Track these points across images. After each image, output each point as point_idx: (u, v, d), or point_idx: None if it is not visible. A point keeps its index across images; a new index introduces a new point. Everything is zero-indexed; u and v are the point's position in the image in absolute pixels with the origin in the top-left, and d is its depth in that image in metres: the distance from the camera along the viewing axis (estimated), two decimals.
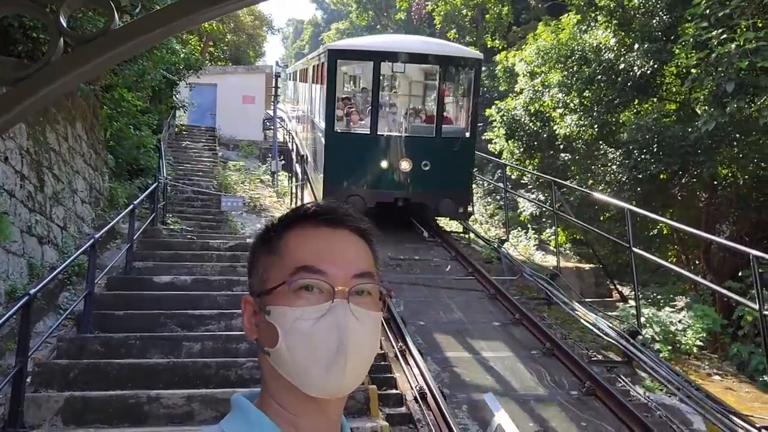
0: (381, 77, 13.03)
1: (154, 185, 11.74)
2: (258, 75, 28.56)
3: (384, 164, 12.15)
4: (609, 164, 14.92)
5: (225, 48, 36.44)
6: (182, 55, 18.86)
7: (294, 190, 16.48)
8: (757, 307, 6.12)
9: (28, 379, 5.36)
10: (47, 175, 9.25)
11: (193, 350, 6.42)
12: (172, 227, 12.58)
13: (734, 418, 6.09)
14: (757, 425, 5.97)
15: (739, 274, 11.47)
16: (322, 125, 12.88)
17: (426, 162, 12.11)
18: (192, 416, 5.16)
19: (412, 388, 6.56)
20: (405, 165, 12.07)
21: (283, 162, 21.36)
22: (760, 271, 6.42)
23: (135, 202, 9.41)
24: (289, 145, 23.60)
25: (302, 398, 0.98)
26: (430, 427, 5.88)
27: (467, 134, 12.73)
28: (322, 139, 12.82)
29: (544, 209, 16.69)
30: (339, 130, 12.70)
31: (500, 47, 28.25)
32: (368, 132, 12.49)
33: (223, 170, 19.81)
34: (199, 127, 25.93)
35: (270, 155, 22.25)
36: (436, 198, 12.06)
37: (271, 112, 25.03)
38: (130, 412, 5.10)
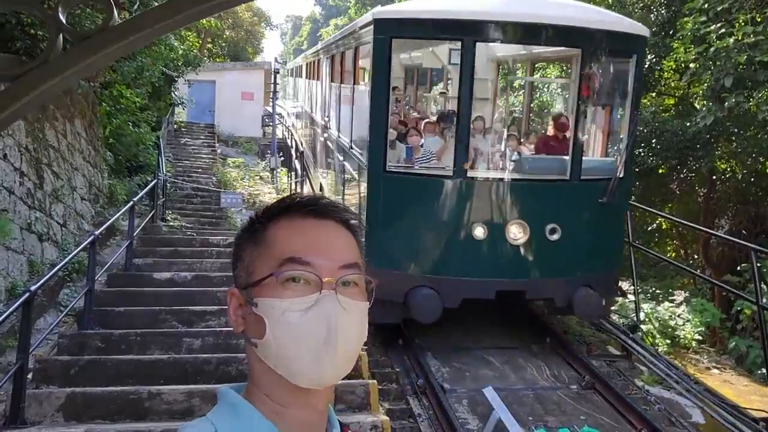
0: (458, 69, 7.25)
1: (154, 182, 11.74)
2: (257, 71, 28.53)
3: (479, 232, 6.87)
4: None
5: (223, 44, 36.40)
6: (180, 52, 18.85)
7: (293, 187, 16.50)
8: (755, 300, 6.15)
9: (29, 376, 5.38)
10: (46, 172, 9.26)
11: (193, 346, 6.44)
12: (171, 224, 12.60)
13: (732, 411, 6.12)
14: (755, 417, 6.00)
15: (738, 268, 11.50)
16: (362, 158, 7.52)
17: (555, 226, 6.92)
18: (192, 412, 5.17)
19: (412, 383, 6.59)
20: (516, 233, 6.89)
21: (282, 158, 21.36)
22: (758, 265, 6.45)
23: (135, 199, 9.43)
24: (289, 141, 23.57)
25: (290, 389, 0.99)
26: (430, 422, 5.90)
27: (620, 173, 7.21)
28: (363, 184, 7.44)
29: None
30: (396, 170, 7.29)
31: None
32: (449, 172, 7.02)
33: (222, 167, 19.81)
34: (198, 124, 25.96)
35: (269, 152, 22.25)
36: (568, 286, 6.98)
37: (270, 109, 25.01)
38: (131, 407, 5.12)
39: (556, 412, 6.17)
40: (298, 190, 15.24)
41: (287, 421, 1.00)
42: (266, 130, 27.06)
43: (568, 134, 7.27)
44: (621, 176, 7.25)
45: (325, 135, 11.70)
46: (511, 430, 5.43)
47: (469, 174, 7.03)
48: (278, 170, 20.12)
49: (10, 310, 5.05)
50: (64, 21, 3.02)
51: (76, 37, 3.10)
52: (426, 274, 6.98)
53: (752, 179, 13.61)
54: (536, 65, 10.94)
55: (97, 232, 7.21)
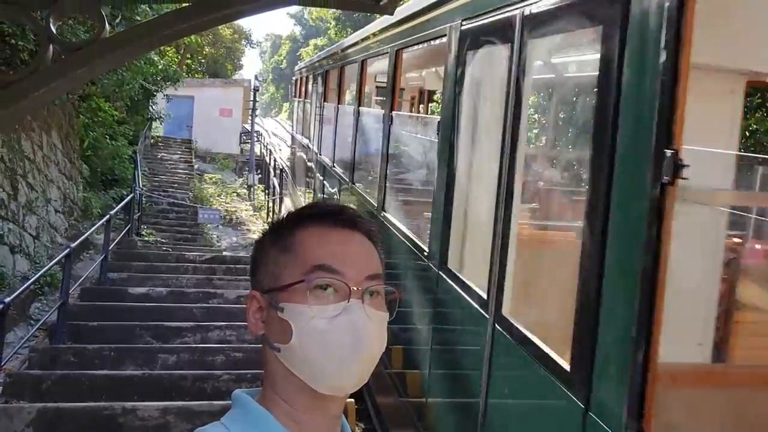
0: None
1: (130, 196, 11.63)
2: (236, 88, 28.54)
3: None
4: None
5: (202, 60, 36.35)
6: (160, 66, 18.79)
7: (270, 204, 16.45)
8: None
9: None
10: (21, 183, 9.13)
11: (168, 362, 6.35)
12: (147, 239, 12.47)
13: None
14: None
15: None
16: None
17: None
18: (167, 429, 5.10)
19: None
20: None
21: (259, 176, 21.32)
22: None
23: (111, 213, 9.33)
24: (267, 158, 23.54)
25: (310, 395, 1.00)
26: None
27: None
28: None
29: None
30: None
31: None
32: None
33: (199, 183, 19.70)
34: (175, 139, 25.82)
35: (246, 168, 22.21)
36: None
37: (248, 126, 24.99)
38: (105, 423, 5.03)
39: None
40: (275, 208, 15.19)
41: (303, 426, 1.00)
42: (244, 147, 27.01)
43: None
44: None
45: None
46: None
47: None
48: (255, 187, 20.08)
49: None
50: (54, 32, 3.02)
51: (66, 49, 3.09)
52: None
53: None
54: None
55: (72, 245, 7.12)
